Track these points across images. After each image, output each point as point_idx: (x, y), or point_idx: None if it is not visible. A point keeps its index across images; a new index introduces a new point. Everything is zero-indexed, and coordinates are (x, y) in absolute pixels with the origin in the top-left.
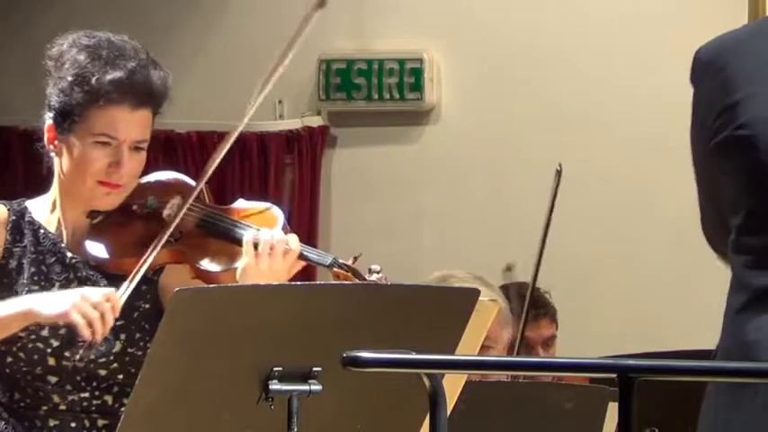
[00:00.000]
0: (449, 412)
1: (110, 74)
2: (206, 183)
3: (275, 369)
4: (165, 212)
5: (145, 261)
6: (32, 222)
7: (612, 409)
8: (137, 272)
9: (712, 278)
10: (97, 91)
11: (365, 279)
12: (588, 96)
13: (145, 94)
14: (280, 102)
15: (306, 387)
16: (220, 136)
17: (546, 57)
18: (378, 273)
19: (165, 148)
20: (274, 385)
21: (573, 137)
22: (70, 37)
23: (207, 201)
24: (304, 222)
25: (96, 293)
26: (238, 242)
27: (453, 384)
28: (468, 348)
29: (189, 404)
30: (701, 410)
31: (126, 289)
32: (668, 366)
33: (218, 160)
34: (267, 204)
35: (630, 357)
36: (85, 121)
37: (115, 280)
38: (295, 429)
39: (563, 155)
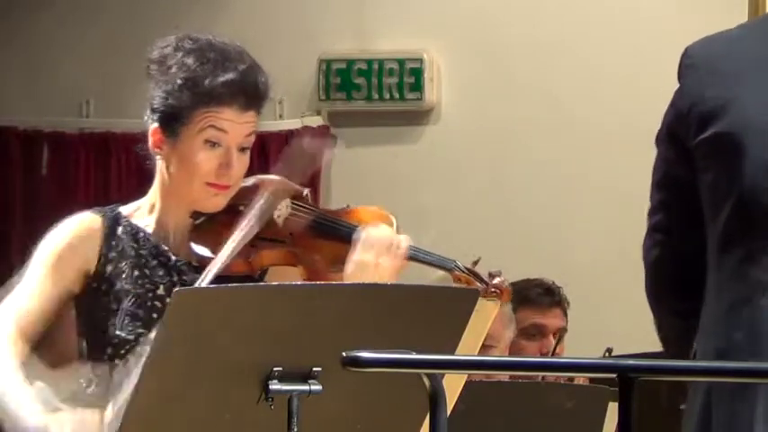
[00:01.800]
0: (449, 412)
1: (221, 76)
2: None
3: (275, 369)
4: (276, 213)
5: (228, 257)
6: (130, 226)
7: (612, 409)
8: (212, 267)
9: None
10: (209, 93)
11: (486, 282)
12: (589, 96)
13: (253, 95)
14: (280, 102)
15: (306, 387)
16: None
17: (546, 56)
18: (499, 277)
19: None
20: (274, 385)
21: (573, 136)
22: (172, 40)
23: (313, 203)
24: None
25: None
26: (351, 243)
27: (453, 384)
28: (468, 348)
29: (189, 404)
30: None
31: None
32: (668, 366)
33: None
34: (379, 207)
35: (630, 357)
36: (195, 123)
37: (218, 282)
38: (295, 429)
39: (563, 154)
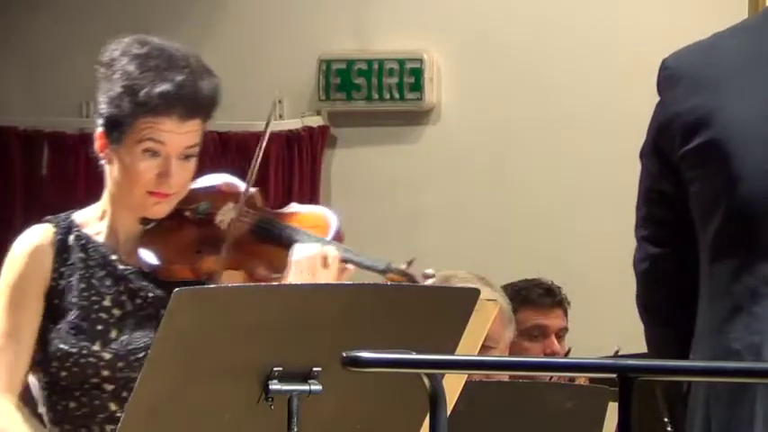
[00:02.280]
0: (449, 412)
1: (158, 86)
2: (257, 187)
3: (275, 369)
4: (218, 218)
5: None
6: (80, 237)
7: (612, 409)
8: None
9: None
10: (145, 103)
11: (420, 284)
12: (589, 96)
13: (193, 105)
14: (280, 102)
15: (306, 387)
16: (221, 136)
17: (546, 56)
18: (433, 277)
19: None
20: (274, 385)
21: (573, 136)
22: (123, 43)
23: (259, 205)
24: None
25: None
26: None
27: (453, 384)
28: (468, 348)
29: (189, 404)
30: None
31: None
32: (668, 366)
33: (257, 163)
34: (321, 208)
35: (630, 357)
36: (134, 132)
37: (168, 288)
38: (295, 429)
39: (563, 154)
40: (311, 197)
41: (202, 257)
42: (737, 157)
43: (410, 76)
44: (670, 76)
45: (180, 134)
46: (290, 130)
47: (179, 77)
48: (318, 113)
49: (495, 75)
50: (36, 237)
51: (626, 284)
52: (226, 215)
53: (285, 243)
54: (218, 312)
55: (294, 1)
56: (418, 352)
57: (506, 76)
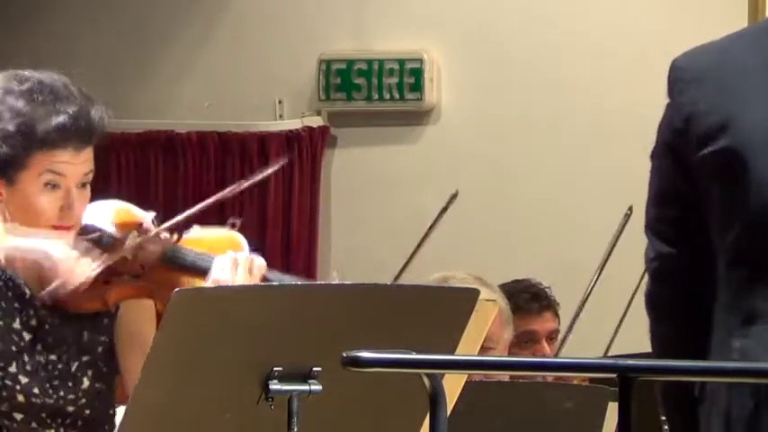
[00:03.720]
0: (449, 412)
1: (53, 120)
2: (157, 211)
3: (275, 369)
4: (125, 248)
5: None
6: None
7: (612, 409)
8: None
9: None
10: (42, 139)
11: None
12: (588, 96)
13: (88, 134)
14: (280, 102)
15: (306, 387)
16: (221, 136)
17: (546, 57)
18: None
19: (164, 148)
20: (274, 385)
21: (573, 136)
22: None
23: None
24: (304, 222)
25: None
26: (204, 273)
27: (453, 384)
28: (468, 348)
29: (189, 404)
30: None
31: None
32: (668, 366)
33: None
34: (229, 231)
35: (630, 357)
36: (32, 168)
37: (75, 320)
38: (295, 429)
39: (563, 154)
40: (311, 197)
41: (111, 288)
42: (756, 165)
43: (410, 76)
44: (680, 78)
45: (77, 164)
46: (290, 130)
47: (71, 109)
48: (318, 113)
49: (495, 75)
50: None
51: (626, 284)
52: (130, 242)
53: (196, 269)
54: (218, 312)
55: (294, 1)
56: (418, 352)
57: (506, 76)
